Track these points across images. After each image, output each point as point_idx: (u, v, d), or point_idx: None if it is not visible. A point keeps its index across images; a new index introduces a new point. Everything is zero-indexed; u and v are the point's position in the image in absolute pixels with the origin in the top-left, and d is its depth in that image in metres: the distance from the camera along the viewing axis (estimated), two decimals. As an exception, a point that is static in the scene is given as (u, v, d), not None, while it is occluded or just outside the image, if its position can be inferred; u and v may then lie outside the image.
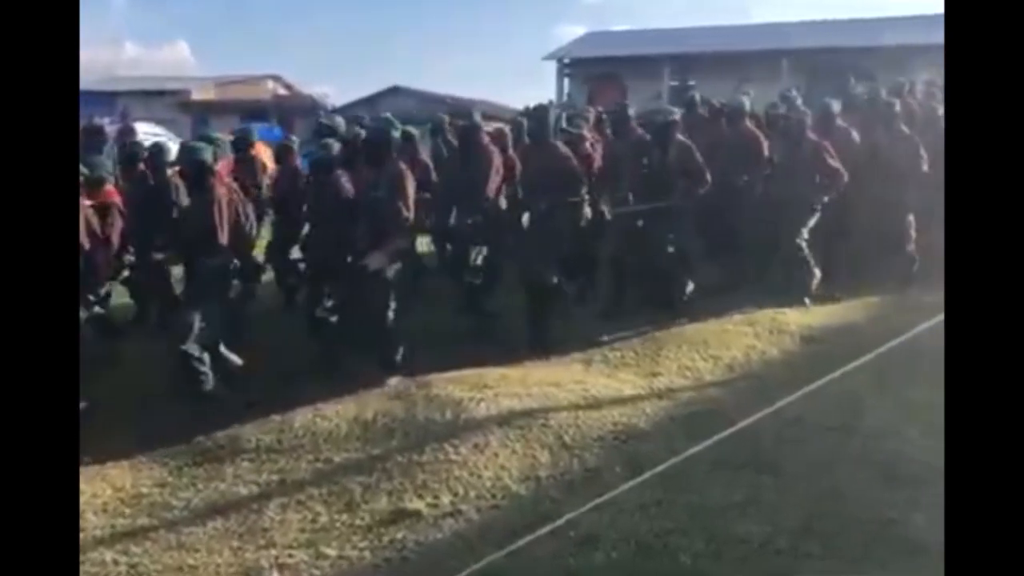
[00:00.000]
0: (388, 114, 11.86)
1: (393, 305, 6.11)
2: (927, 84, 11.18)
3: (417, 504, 4.36)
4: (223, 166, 7.71)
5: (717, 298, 7.68)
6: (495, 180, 7.25)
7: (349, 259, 6.14)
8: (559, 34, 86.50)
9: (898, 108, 8.44)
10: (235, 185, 6.37)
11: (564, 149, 7.24)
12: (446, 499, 4.40)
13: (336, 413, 5.45)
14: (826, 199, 7.71)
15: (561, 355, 6.54)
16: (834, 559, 3.73)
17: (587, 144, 8.28)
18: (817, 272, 7.73)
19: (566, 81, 29.08)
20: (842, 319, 7.22)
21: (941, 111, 8.79)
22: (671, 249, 7.36)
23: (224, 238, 5.82)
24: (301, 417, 5.42)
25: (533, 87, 74.72)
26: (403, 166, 6.31)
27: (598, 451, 4.80)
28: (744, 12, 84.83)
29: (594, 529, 3.93)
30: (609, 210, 7.80)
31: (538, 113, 7.63)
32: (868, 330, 6.63)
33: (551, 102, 27.57)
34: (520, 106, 16.10)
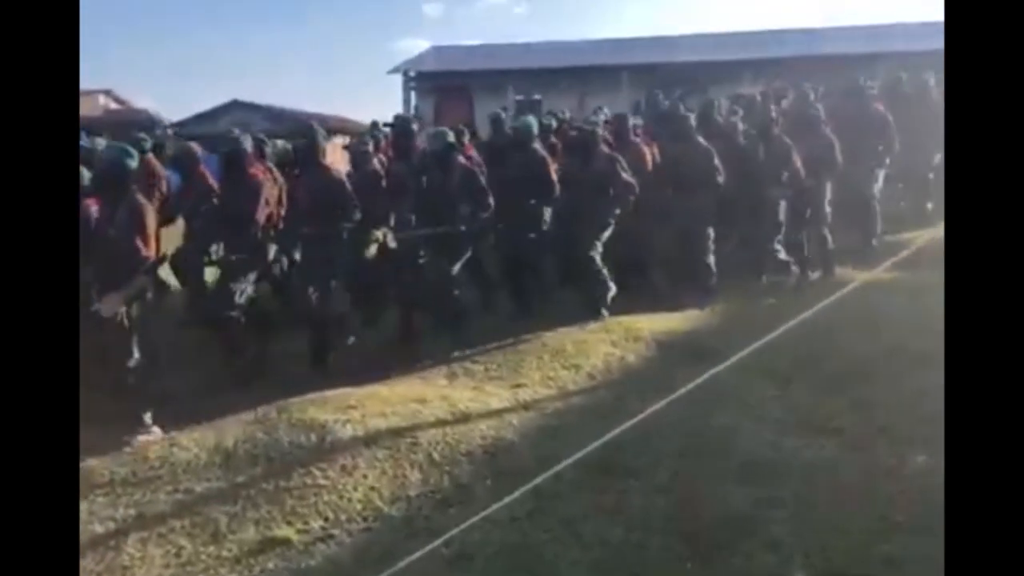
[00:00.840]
0: (130, 136, 10.93)
1: (136, 353, 5.49)
2: (731, 99, 11.75)
3: (286, 531, 4.25)
4: None
5: (511, 324, 7.54)
6: (263, 211, 6.60)
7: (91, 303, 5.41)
8: (404, 47, 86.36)
9: (695, 122, 8.51)
10: None
11: (336, 172, 6.85)
12: (316, 524, 4.31)
13: (194, 442, 5.25)
14: (619, 211, 7.69)
15: (425, 370, 6.52)
16: (701, 558, 3.87)
17: (375, 163, 7.95)
18: (613, 286, 7.69)
19: (413, 95, 29.06)
20: (688, 324, 7.48)
21: (741, 125, 9.12)
22: (457, 275, 7.13)
23: None
24: (156, 448, 5.21)
25: (380, 101, 74.05)
26: (141, 199, 5.60)
27: (468, 466, 4.81)
28: (587, 27, 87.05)
29: (468, 545, 3.94)
30: (392, 234, 7.53)
31: (308, 135, 7.07)
32: (711, 335, 6.96)
33: (397, 116, 27.46)
34: (367, 120, 15.99)
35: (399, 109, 28.16)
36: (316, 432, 5.18)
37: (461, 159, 7.35)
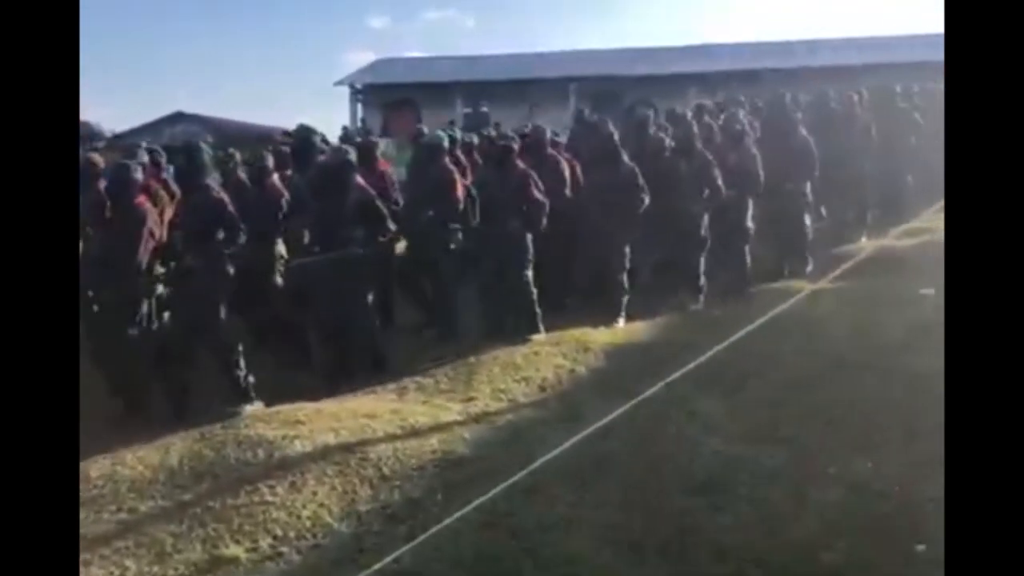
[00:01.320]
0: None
1: None
2: (667, 113, 11.78)
3: (234, 550, 4.18)
4: None
5: (427, 350, 7.35)
6: (146, 248, 6.08)
7: None
8: (351, 60, 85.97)
9: (617, 137, 8.27)
10: None
11: (216, 193, 6.32)
12: (265, 542, 4.25)
13: (138, 460, 5.16)
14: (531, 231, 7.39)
15: (374, 385, 6.47)
16: (651, 567, 3.89)
17: (274, 179, 7.49)
18: (538, 310, 7.40)
19: (359, 107, 29.00)
20: (637, 336, 7.53)
21: (669, 141, 8.88)
22: (358, 298, 6.74)
23: None
24: (98, 466, 5.09)
25: (326, 113, 73.76)
26: None
27: (419, 481, 4.77)
28: (537, 41, 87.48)
29: (420, 561, 3.91)
30: (285, 255, 7.22)
31: (190, 152, 6.55)
32: (661, 346, 7.01)
33: (345, 128, 27.33)
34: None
35: (346, 122, 28.08)
36: (264, 448, 5.11)
37: (358, 178, 6.89)
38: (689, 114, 11.06)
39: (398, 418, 5.55)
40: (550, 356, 6.82)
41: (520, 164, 7.61)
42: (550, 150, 8.48)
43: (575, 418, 5.42)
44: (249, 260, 6.64)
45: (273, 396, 6.23)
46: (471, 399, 6.03)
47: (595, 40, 77.47)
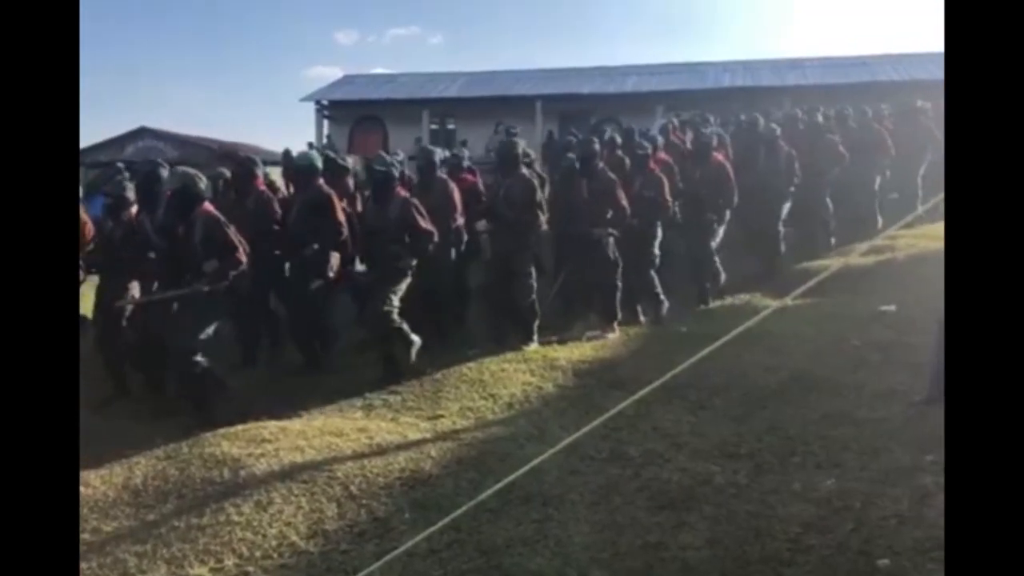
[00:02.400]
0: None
1: None
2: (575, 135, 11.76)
3: (199, 570, 4.15)
4: None
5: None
6: None
7: None
8: (317, 75, 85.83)
9: (522, 153, 8.18)
10: None
11: None
12: (230, 562, 4.21)
13: (101, 480, 5.12)
14: (415, 260, 7.22)
15: (340, 402, 6.44)
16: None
17: (132, 212, 7.13)
18: (416, 339, 7.15)
19: (325, 123, 28.91)
20: (605, 353, 7.57)
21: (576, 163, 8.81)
22: (203, 337, 6.30)
23: None
24: (60, 487, 5.02)
25: (291, 129, 73.53)
26: None
27: (386, 499, 4.75)
28: (502, 60, 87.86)
29: (388, 579, 3.90)
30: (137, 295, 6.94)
31: None
32: (628, 363, 7.08)
33: (310, 145, 27.24)
34: (279, 148, 15.77)
35: (312, 137, 28.01)
36: (229, 467, 5.08)
37: (206, 206, 6.42)
38: (618, 138, 11.04)
39: (365, 436, 5.54)
40: (517, 373, 6.85)
41: (403, 192, 7.39)
42: (440, 174, 8.28)
43: (542, 435, 5.45)
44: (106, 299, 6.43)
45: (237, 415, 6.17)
46: (438, 416, 6.04)
47: (563, 58, 78.02)
